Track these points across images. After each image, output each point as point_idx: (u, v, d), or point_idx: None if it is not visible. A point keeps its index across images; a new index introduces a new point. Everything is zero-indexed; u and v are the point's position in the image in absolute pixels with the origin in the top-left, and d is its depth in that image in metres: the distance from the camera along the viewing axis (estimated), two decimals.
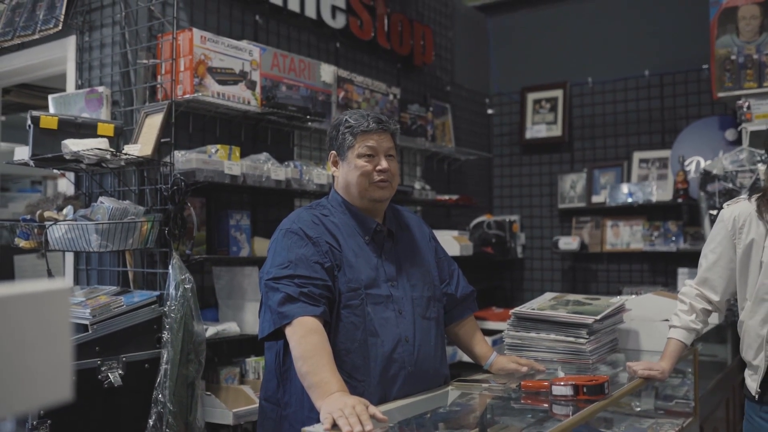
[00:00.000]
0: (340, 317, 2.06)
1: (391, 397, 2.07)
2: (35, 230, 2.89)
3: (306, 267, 2.01)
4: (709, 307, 2.47)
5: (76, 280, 3.27)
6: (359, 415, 1.63)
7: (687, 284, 2.53)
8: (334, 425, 1.63)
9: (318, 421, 1.72)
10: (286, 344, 2.09)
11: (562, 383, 2.02)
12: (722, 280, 2.43)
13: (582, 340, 2.47)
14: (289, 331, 1.94)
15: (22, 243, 2.93)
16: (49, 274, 2.88)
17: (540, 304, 2.69)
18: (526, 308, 2.64)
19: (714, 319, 2.67)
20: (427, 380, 2.20)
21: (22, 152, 2.89)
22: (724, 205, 2.51)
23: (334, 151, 2.25)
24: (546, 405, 2.05)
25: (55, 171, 3.21)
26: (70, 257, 3.31)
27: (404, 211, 2.45)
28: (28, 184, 7.02)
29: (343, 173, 2.21)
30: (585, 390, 1.99)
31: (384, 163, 2.17)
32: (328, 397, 1.76)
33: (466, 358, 2.57)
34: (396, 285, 2.18)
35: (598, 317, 2.50)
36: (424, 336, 2.19)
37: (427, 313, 2.24)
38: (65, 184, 3.43)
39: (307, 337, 1.90)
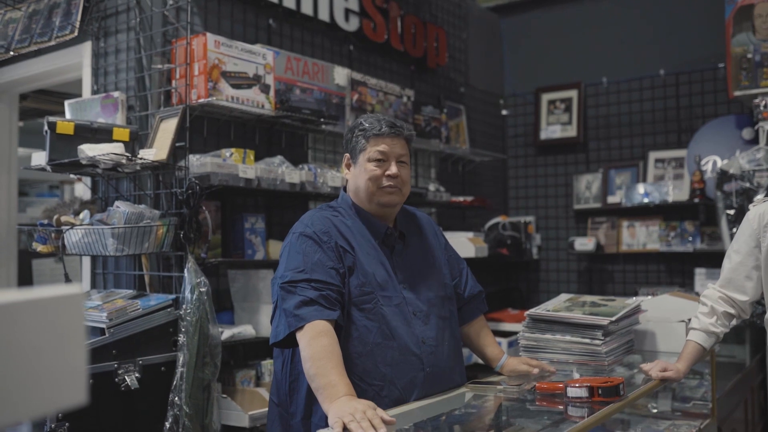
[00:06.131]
0: (353, 320, 2.05)
1: (412, 400, 2.06)
2: (52, 235, 2.92)
3: (322, 272, 2.01)
4: (732, 311, 2.43)
5: (93, 284, 3.29)
6: (371, 420, 1.62)
7: (710, 287, 2.50)
8: (345, 430, 1.62)
9: (326, 427, 1.71)
10: (293, 354, 2.09)
11: (577, 385, 2.01)
12: (748, 279, 2.40)
13: (597, 342, 2.46)
14: (300, 334, 1.93)
15: (39, 247, 2.96)
16: (66, 279, 2.90)
17: (555, 306, 2.68)
18: (541, 310, 2.63)
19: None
20: (445, 380, 2.19)
21: (39, 157, 2.92)
22: (750, 206, 2.49)
23: (347, 154, 2.25)
24: (561, 407, 2.04)
25: (71, 176, 3.24)
26: (87, 261, 3.34)
27: (416, 212, 2.44)
28: (46, 189, 7.10)
29: (354, 176, 2.21)
30: (600, 392, 1.97)
31: (394, 169, 2.14)
32: (336, 400, 1.75)
33: (480, 360, 2.56)
34: (409, 287, 2.17)
35: (613, 318, 2.48)
36: (441, 335, 2.19)
37: (443, 313, 2.23)
38: (82, 189, 3.46)
39: (317, 339, 1.89)
